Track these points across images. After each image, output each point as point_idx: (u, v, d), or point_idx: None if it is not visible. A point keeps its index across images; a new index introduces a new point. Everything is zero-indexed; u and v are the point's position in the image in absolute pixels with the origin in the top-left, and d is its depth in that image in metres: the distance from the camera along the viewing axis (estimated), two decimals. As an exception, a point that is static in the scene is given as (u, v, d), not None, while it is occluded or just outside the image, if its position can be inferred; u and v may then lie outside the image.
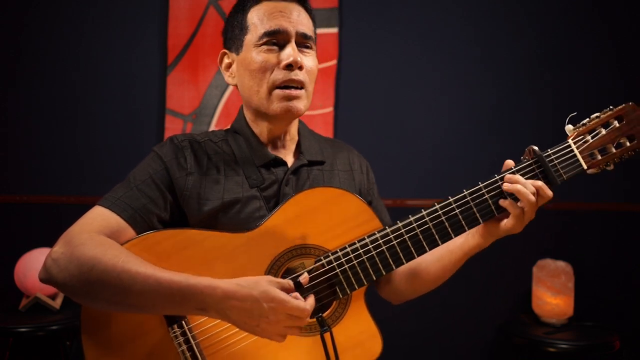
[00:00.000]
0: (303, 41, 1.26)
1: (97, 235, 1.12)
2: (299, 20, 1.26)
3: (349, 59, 2.71)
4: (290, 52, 1.23)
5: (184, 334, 1.14)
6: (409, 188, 2.68)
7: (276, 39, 1.24)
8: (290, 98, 1.23)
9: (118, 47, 2.68)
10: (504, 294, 2.74)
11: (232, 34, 1.30)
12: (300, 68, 1.24)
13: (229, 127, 1.35)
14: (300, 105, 1.25)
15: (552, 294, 2.49)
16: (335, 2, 2.68)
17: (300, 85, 1.24)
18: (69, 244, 1.11)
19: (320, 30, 2.68)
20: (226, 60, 1.32)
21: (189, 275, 1.07)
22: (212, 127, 2.65)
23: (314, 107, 2.68)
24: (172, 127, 2.65)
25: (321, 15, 2.68)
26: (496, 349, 2.72)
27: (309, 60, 1.27)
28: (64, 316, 2.29)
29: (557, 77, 2.73)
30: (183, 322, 1.14)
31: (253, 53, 1.25)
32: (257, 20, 1.25)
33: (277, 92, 1.23)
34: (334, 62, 2.68)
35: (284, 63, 1.22)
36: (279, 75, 1.23)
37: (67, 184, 2.65)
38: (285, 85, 1.23)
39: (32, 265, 2.28)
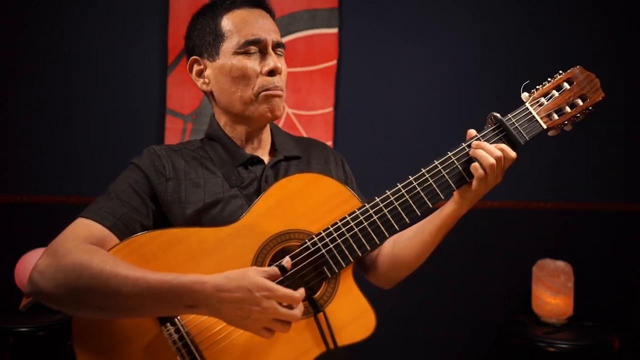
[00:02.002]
0: (277, 48, 1.34)
1: (82, 243, 1.13)
2: (273, 29, 1.34)
3: (349, 59, 2.71)
4: (272, 60, 1.31)
5: (177, 331, 1.14)
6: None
7: (256, 46, 1.31)
8: (274, 98, 1.31)
9: (118, 47, 2.68)
10: (504, 294, 2.74)
11: (204, 40, 1.34)
12: (280, 73, 1.32)
13: (203, 137, 1.40)
14: (281, 107, 1.33)
15: (552, 294, 2.49)
16: (335, 2, 2.68)
17: (281, 89, 1.32)
18: (54, 254, 1.11)
19: (320, 30, 2.68)
20: (197, 67, 1.36)
21: (177, 274, 1.09)
22: (212, 127, 2.65)
23: (314, 107, 2.68)
24: (172, 127, 2.65)
25: (321, 15, 2.68)
26: (496, 349, 2.72)
27: (283, 66, 1.35)
28: (65, 316, 2.29)
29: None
30: (176, 320, 1.15)
31: (234, 60, 1.30)
32: (233, 28, 1.31)
33: (263, 95, 1.30)
34: (334, 62, 2.68)
35: (267, 69, 1.30)
36: (263, 81, 1.30)
37: (67, 184, 2.65)
38: (271, 89, 1.31)
39: (32, 265, 2.28)
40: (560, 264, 2.53)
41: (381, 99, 2.73)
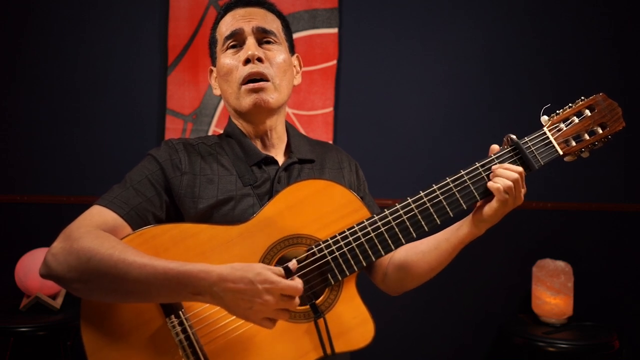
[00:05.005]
0: (264, 36, 1.33)
1: (95, 229, 1.16)
2: (258, 18, 1.33)
3: (349, 59, 2.71)
4: (246, 47, 1.30)
5: (181, 323, 1.16)
6: (409, 188, 2.68)
7: (236, 40, 1.32)
8: (255, 90, 1.29)
9: (118, 47, 2.68)
10: (504, 294, 2.74)
11: (210, 51, 1.41)
12: (260, 60, 1.30)
13: (221, 132, 1.41)
14: (267, 97, 1.30)
15: (552, 294, 2.49)
16: (335, 2, 2.69)
17: (262, 77, 1.29)
18: (68, 238, 1.14)
19: (320, 31, 2.68)
20: (214, 76, 1.42)
21: (184, 262, 1.11)
22: (212, 127, 2.66)
23: (314, 107, 2.69)
24: (173, 127, 2.65)
25: (321, 15, 2.68)
26: (496, 349, 2.72)
27: (273, 53, 1.33)
28: (65, 316, 2.29)
29: (557, 78, 2.73)
30: (180, 313, 1.17)
31: (221, 59, 1.34)
32: (223, 30, 1.35)
33: (243, 88, 1.30)
34: (334, 62, 2.69)
35: (242, 59, 1.30)
36: (242, 72, 1.30)
37: (67, 184, 2.66)
38: (249, 80, 1.29)
39: (32, 265, 2.29)
40: (560, 264, 2.53)
41: (381, 99, 2.73)
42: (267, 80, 1.30)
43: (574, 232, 2.76)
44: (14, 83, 2.67)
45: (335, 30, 2.69)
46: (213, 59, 1.41)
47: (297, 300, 1.11)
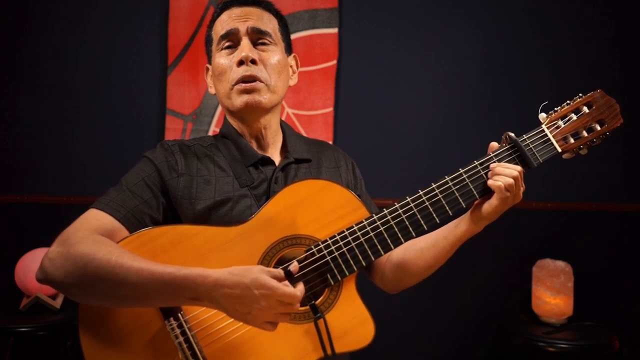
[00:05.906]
0: (259, 37, 1.32)
1: (92, 234, 1.15)
2: (254, 18, 1.32)
3: (349, 59, 2.71)
4: (240, 49, 1.30)
5: (180, 326, 1.16)
6: (409, 188, 2.67)
7: (230, 40, 1.32)
8: (247, 91, 1.29)
9: (118, 47, 2.68)
10: (504, 294, 2.74)
11: (206, 49, 1.41)
12: (254, 62, 1.29)
13: (217, 133, 1.41)
14: (260, 97, 1.29)
15: (552, 294, 2.49)
16: (335, 2, 2.69)
17: (255, 79, 1.29)
18: (65, 243, 1.14)
19: (320, 31, 2.68)
20: (209, 74, 1.41)
21: (181, 266, 1.10)
22: (212, 127, 2.66)
23: (314, 107, 2.69)
24: (173, 127, 2.65)
25: (321, 15, 2.69)
26: (496, 349, 2.72)
27: (267, 54, 1.32)
28: (65, 316, 2.29)
29: (557, 78, 2.73)
30: (179, 315, 1.16)
31: (216, 59, 1.34)
32: (218, 29, 1.35)
33: (235, 88, 1.30)
34: (334, 62, 2.69)
35: (235, 60, 1.30)
36: (235, 73, 1.30)
37: (67, 184, 2.66)
38: (241, 81, 1.29)
39: (32, 265, 2.29)
40: (560, 264, 2.53)
41: (381, 99, 2.73)
42: (260, 81, 1.29)
43: (574, 232, 2.76)
44: (14, 83, 2.67)
45: (335, 30, 2.69)
46: (209, 57, 1.40)
47: (298, 304, 1.11)
